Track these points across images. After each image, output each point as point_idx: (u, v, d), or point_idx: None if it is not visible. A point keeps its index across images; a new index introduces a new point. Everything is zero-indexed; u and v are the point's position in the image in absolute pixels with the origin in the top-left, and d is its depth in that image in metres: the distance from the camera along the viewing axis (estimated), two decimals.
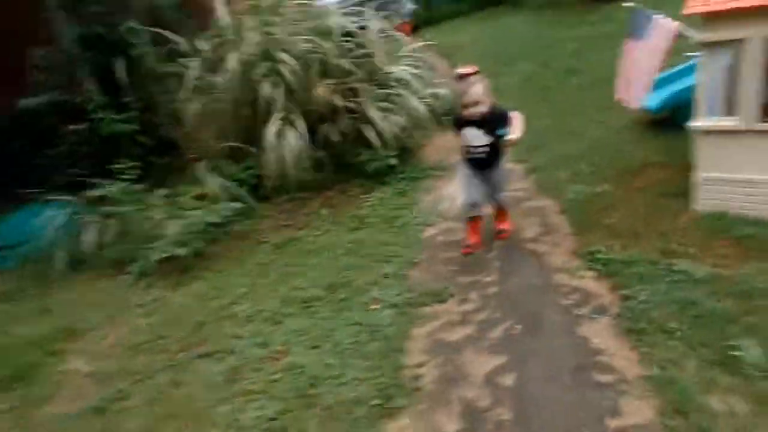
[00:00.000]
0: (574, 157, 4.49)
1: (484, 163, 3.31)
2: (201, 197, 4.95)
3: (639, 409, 2.07)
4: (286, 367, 2.77)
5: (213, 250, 4.45)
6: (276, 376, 2.73)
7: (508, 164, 3.50)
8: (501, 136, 3.09)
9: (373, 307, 3.13)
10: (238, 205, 4.71)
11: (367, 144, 4.94)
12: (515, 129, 3.06)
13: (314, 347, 2.90)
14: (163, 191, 5.14)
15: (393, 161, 4.92)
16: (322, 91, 4.67)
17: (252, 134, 4.90)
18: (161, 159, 5.93)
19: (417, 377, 2.52)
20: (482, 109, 3.09)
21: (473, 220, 3.51)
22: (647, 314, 2.45)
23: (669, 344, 2.31)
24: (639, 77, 3.47)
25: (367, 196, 4.83)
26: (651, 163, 3.98)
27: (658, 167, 3.90)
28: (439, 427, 2.23)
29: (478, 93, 3.06)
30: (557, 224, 3.61)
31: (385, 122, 4.90)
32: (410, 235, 3.95)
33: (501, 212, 3.60)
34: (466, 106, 3.10)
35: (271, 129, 4.65)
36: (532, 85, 6.60)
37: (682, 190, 3.47)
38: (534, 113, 5.63)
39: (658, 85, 4.57)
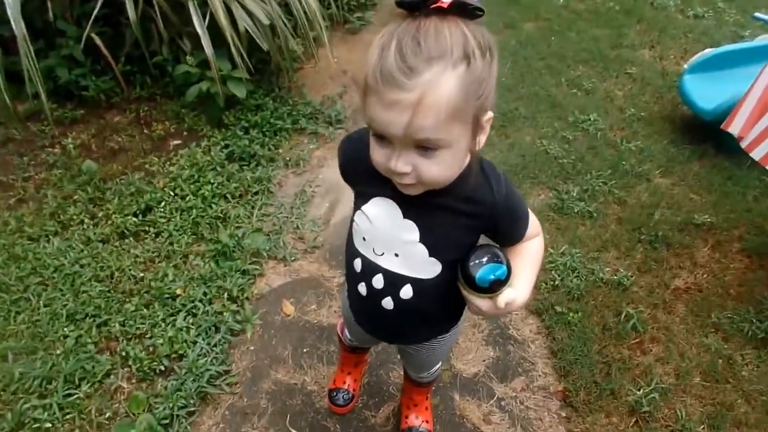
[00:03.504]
0: (557, 163, 2.54)
1: (396, 326, 1.06)
2: None
3: None
4: None
5: None
6: None
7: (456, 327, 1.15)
8: (485, 282, 0.81)
9: None
10: None
11: (197, 45, 2.52)
12: (524, 276, 0.89)
13: None
14: None
15: (240, 89, 2.58)
16: None
17: None
18: None
19: None
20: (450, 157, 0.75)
21: (352, 351, 1.51)
22: None
23: None
24: None
25: (180, 145, 2.55)
26: (697, 225, 2.18)
27: (710, 239, 2.12)
28: None
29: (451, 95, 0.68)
30: (529, 354, 1.74)
31: (233, 8, 2.48)
32: (231, 282, 1.87)
33: (418, 393, 1.49)
34: (376, 131, 0.74)
35: None
36: None
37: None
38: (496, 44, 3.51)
39: (717, 70, 2.73)
